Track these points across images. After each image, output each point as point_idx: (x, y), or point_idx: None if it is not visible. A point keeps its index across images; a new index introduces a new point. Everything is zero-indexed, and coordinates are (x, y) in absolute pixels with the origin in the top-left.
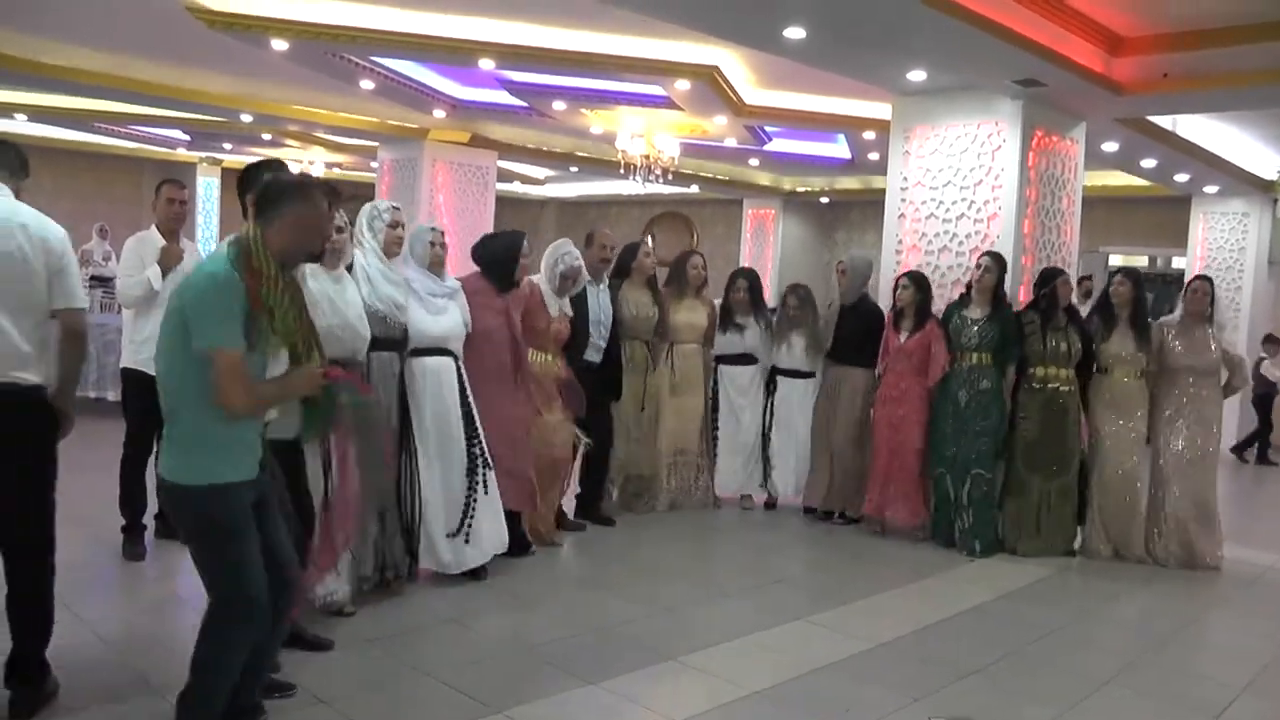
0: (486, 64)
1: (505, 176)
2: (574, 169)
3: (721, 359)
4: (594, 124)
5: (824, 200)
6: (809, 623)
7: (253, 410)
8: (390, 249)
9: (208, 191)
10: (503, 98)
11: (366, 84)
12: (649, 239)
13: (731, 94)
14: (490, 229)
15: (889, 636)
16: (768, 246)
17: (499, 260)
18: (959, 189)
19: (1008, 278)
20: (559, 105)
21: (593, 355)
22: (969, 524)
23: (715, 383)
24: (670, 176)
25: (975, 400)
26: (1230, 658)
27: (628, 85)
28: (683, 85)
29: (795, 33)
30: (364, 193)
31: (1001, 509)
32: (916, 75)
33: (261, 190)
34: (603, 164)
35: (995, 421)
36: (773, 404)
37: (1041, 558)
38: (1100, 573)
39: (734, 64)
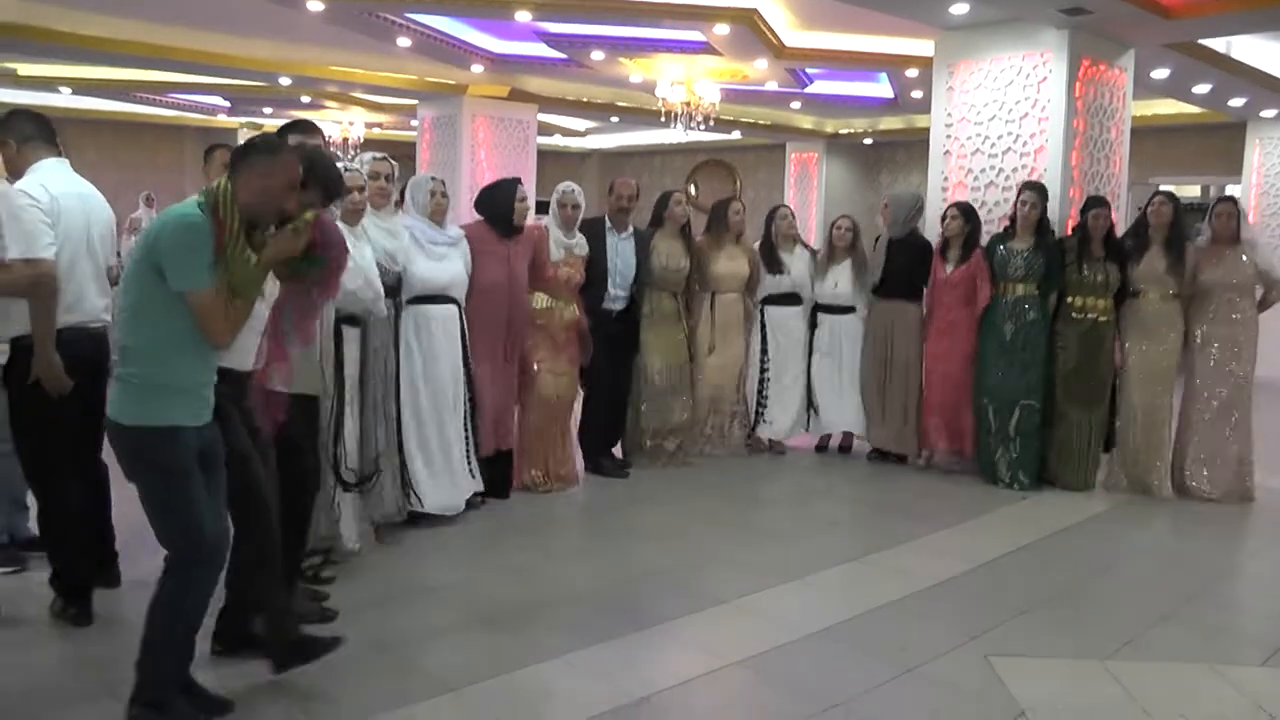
0: (523, 16)
1: (546, 130)
2: (615, 119)
3: (768, 300)
4: (633, 73)
5: (867, 142)
6: (863, 563)
7: (237, 331)
8: (375, 200)
9: None
10: (541, 50)
11: (404, 41)
12: (692, 187)
13: (771, 36)
14: (533, 183)
15: (943, 575)
16: (811, 190)
17: (497, 204)
18: (1004, 123)
19: (1055, 210)
20: (597, 55)
21: (613, 304)
22: (1015, 455)
23: (764, 326)
24: (711, 123)
25: (1022, 331)
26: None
27: (666, 32)
28: (721, 30)
29: None
30: (406, 151)
31: (1045, 441)
32: (959, 8)
33: (237, 148)
34: (644, 113)
35: (1043, 352)
36: (813, 341)
37: (1086, 491)
38: (1154, 509)
39: (773, 6)
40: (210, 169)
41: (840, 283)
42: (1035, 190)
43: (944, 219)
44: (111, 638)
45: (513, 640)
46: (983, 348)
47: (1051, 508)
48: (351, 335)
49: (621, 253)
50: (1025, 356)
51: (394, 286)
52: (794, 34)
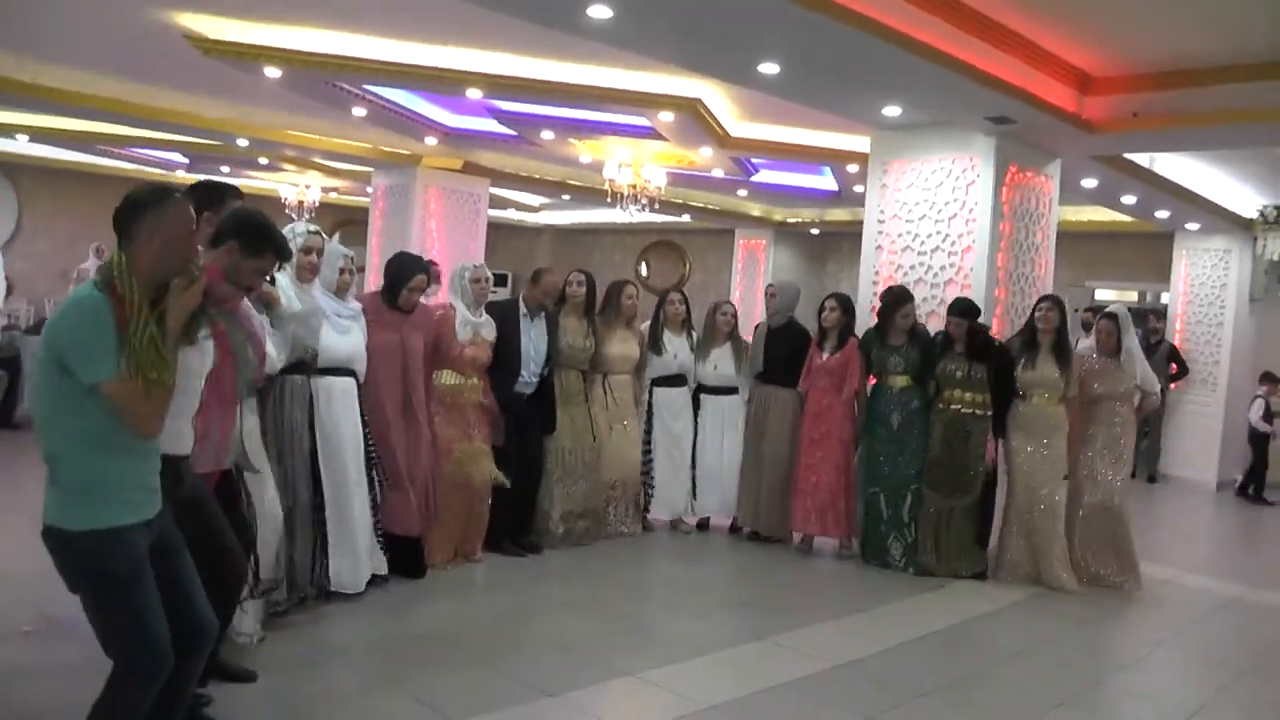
0: (474, 93)
1: (500, 204)
2: (565, 197)
3: (656, 381)
4: (583, 153)
5: (814, 231)
6: (769, 643)
7: (163, 416)
8: (301, 274)
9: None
10: (492, 126)
11: (359, 111)
12: (643, 267)
13: (715, 125)
14: (481, 255)
15: (848, 658)
16: (758, 276)
17: (391, 277)
18: (934, 222)
19: (983, 307)
20: (547, 135)
21: (524, 387)
22: (911, 540)
23: (650, 407)
24: (657, 205)
25: (908, 419)
26: (1182, 683)
27: (613, 116)
28: (666, 117)
29: (769, 68)
30: (360, 216)
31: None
32: (891, 110)
33: (118, 209)
34: (593, 193)
35: (923, 440)
36: (698, 422)
37: (951, 579)
38: (1057, 600)
39: (716, 97)
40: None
41: (720, 364)
42: (909, 302)
43: (821, 310)
44: None
45: (415, 705)
46: (870, 438)
47: (959, 597)
48: (248, 406)
49: (534, 337)
50: (913, 444)
51: (309, 362)
52: (737, 124)
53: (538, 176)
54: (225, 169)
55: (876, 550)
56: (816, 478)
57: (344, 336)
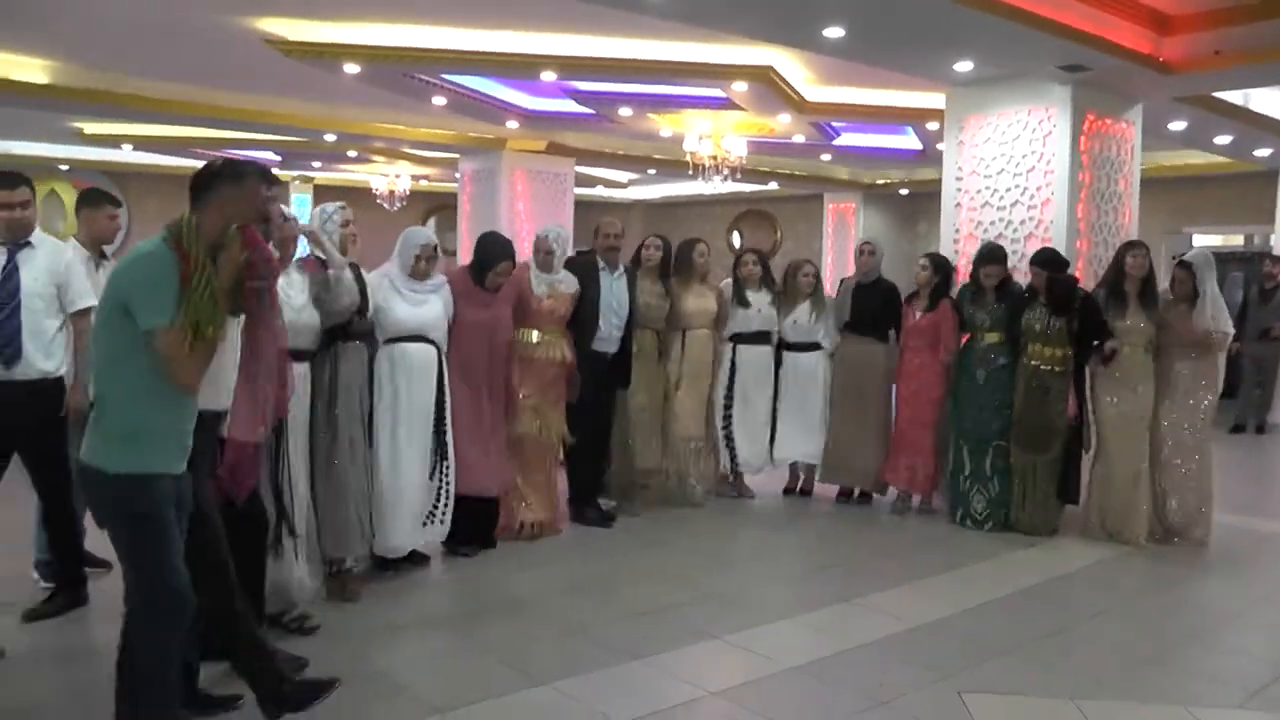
0: (549, 76)
1: (588, 181)
2: (651, 171)
3: (737, 338)
4: (663, 127)
5: (903, 192)
6: (853, 605)
7: (202, 373)
8: (345, 247)
9: (301, 207)
10: (570, 106)
11: (439, 100)
12: (735, 236)
13: (791, 92)
14: (572, 232)
15: (931, 618)
16: (849, 240)
17: (479, 260)
18: (1012, 176)
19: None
20: (625, 111)
21: (605, 345)
22: (994, 495)
23: (733, 362)
24: (739, 175)
25: (993, 375)
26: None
27: (688, 89)
28: (740, 86)
29: (834, 32)
30: (451, 202)
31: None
32: (963, 66)
33: (195, 176)
34: (678, 166)
35: (1009, 395)
36: (779, 377)
37: (1034, 535)
38: (1159, 557)
39: (789, 63)
40: (97, 218)
41: (800, 320)
42: (992, 263)
43: (916, 268)
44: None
45: (502, 668)
46: (957, 392)
47: (1046, 555)
48: (299, 371)
49: (616, 292)
50: (996, 399)
51: (366, 332)
52: (813, 89)
53: (622, 153)
54: (317, 164)
55: (960, 505)
56: (906, 435)
57: (417, 308)
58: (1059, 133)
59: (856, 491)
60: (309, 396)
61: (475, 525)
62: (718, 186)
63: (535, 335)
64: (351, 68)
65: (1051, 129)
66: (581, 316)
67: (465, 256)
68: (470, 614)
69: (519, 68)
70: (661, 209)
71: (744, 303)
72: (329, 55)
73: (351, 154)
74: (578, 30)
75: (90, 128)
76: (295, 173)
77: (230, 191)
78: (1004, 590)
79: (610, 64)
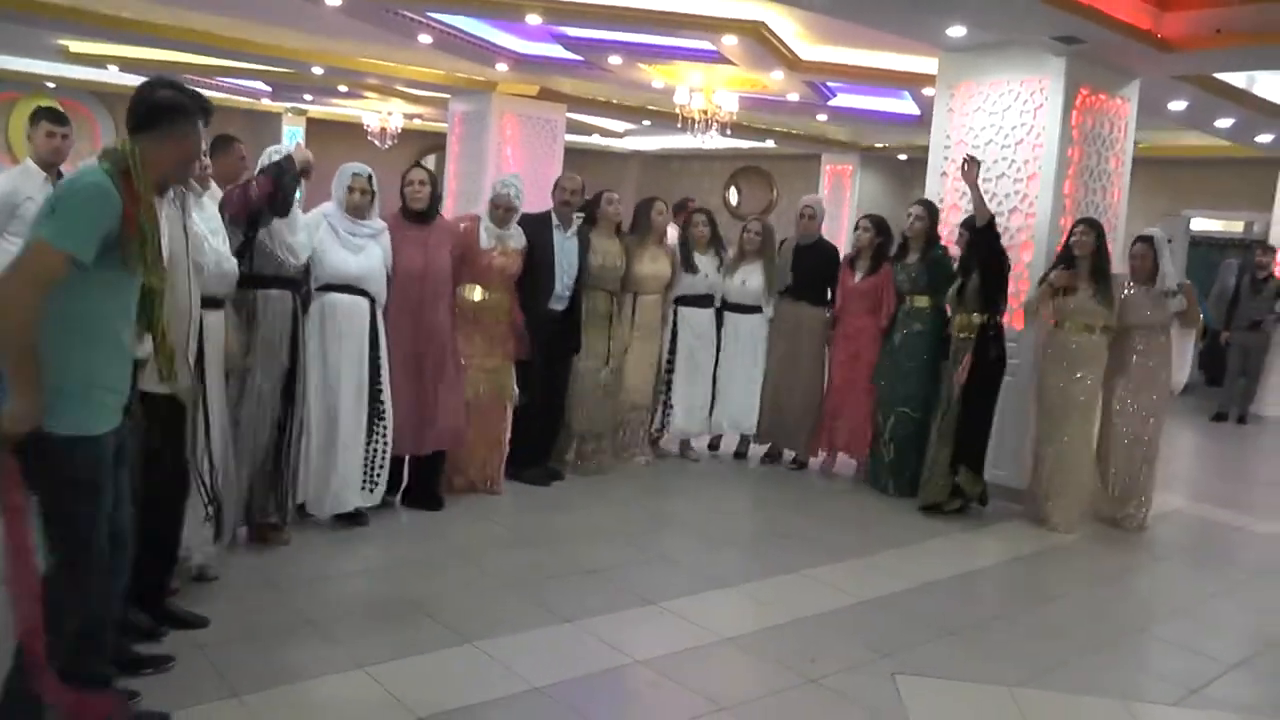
0: (534, 19)
1: (585, 129)
2: (646, 123)
3: (681, 300)
4: (655, 78)
5: (901, 157)
6: (801, 576)
7: (3, 317)
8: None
9: (292, 140)
10: (561, 52)
11: (425, 38)
12: (733, 192)
13: (784, 49)
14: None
15: (878, 594)
16: (844, 203)
17: (401, 193)
18: (1000, 148)
19: (1045, 238)
20: (614, 60)
21: (556, 304)
22: (888, 460)
23: (675, 325)
24: (729, 131)
25: (908, 341)
26: (1227, 637)
27: (679, 40)
28: (730, 41)
29: None
30: (442, 143)
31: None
32: (956, 30)
33: (144, 105)
34: (671, 118)
35: (922, 361)
36: (720, 339)
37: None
38: (1117, 544)
39: (781, 20)
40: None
41: (749, 281)
42: (923, 205)
43: (855, 229)
44: None
45: (430, 622)
46: (879, 355)
47: (1004, 537)
48: (214, 320)
49: (566, 251)
50: (906, 364)
51: (294, 279)
52: (807, 47)
53: (615, 102)
54: (308, 97)
55: (872, 470)
56: (843, 400)
57: (354, 255)
58: (1050, 105)
59: (788, 456)
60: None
61: (422, 483)
62: (714, 141)
63: (479, 293)
64: (333, 1)
65: (1043, 101)
66: (534, 274)
67: (451, 200)
68: (402, 567)
69: (504, 9)
70: (659, 161)
71: (691, 268)
72: None
73: (342, 89)
74: None
75: (75, 46)
76: (288, 104)
77: (182, 129)
78: (955, 570)
79: (598, 10)
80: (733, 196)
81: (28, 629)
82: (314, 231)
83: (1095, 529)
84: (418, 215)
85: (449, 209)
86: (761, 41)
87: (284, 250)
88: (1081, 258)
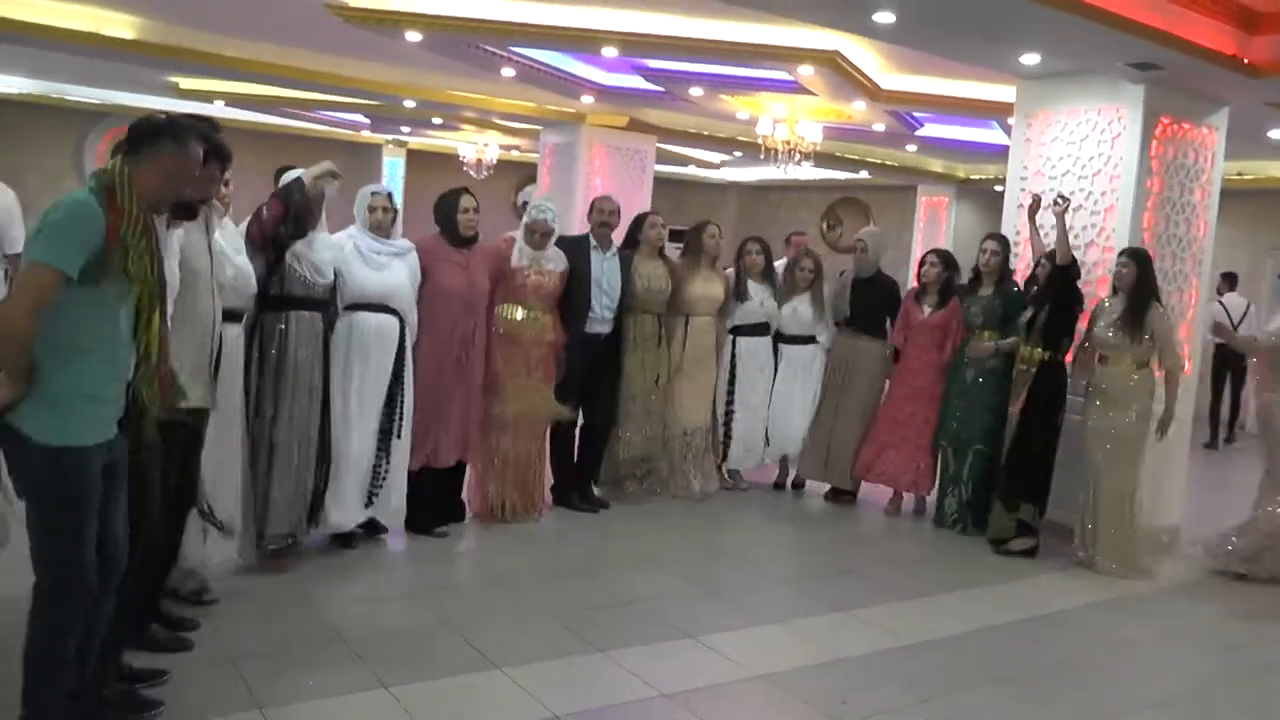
0: (610, 51)
1: (680, 160)
2: (738, 154)
3: (738, 330)
4: (739, 109)
5: (998, 188)
6: (850, 615)
7: (6, 335)
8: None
9: (393, 172)
10: (641, 84)
11: (508, 72)
12: (825, 225)
13: (862, 78)
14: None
15: (931, 636)
16: (939, 236)
17: (443, 214)
18: (1078, 179)
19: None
20: (696, 91)
21: (598, 326)
22: (966, 499)
23: (733, 356)
24: (812, 161)
25: (981, 377)
26: None
27: (755, 71)
28: (806, 71)
29: (884, 17)
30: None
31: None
32: (1030, 58)
33: (133, 127)
34: (754, 148)
35: (999, 398)
36: (776, 371)
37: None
38: (1197, 592)
39: (860, 50)
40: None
41: (800, 309)
42: (996, 239)
43: (922, 264)
44: None
45: (460, 646)
46: (946, 392)
47: (1070, 581)
48: (233, 333)
49: (607, 272)
50: (984, 401)
51: (322, 300)
52: (887, 76)
53: (705, 133)
54: (405, 129)
55: (938, 506)
56: (899, 434)
57: (379, 273)
58: (1128, 135)
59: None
60: (242, 363)
61: (440, 499)
62: (804, 172)
63: (520, 312)
64: (413, 36)
65: (1121, 130)
66: (573, 296)
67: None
68: (434, 590)
69: (580, 41)
70: (757, 192)
71: (743, 296)
72: (390, 22)
73: (437, 121)
74: (643, 6)
75: (185, 83)
76: (389, 137)
77: (171, 150)
78: (1016, 614)
79: (672, 42)
80: (825, 227)
81: None
82: (339, 251)
83: (1184, 578)
84: (463, 240)
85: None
86: (839, 71)
87: (310, 270)
88: (1121, 290)
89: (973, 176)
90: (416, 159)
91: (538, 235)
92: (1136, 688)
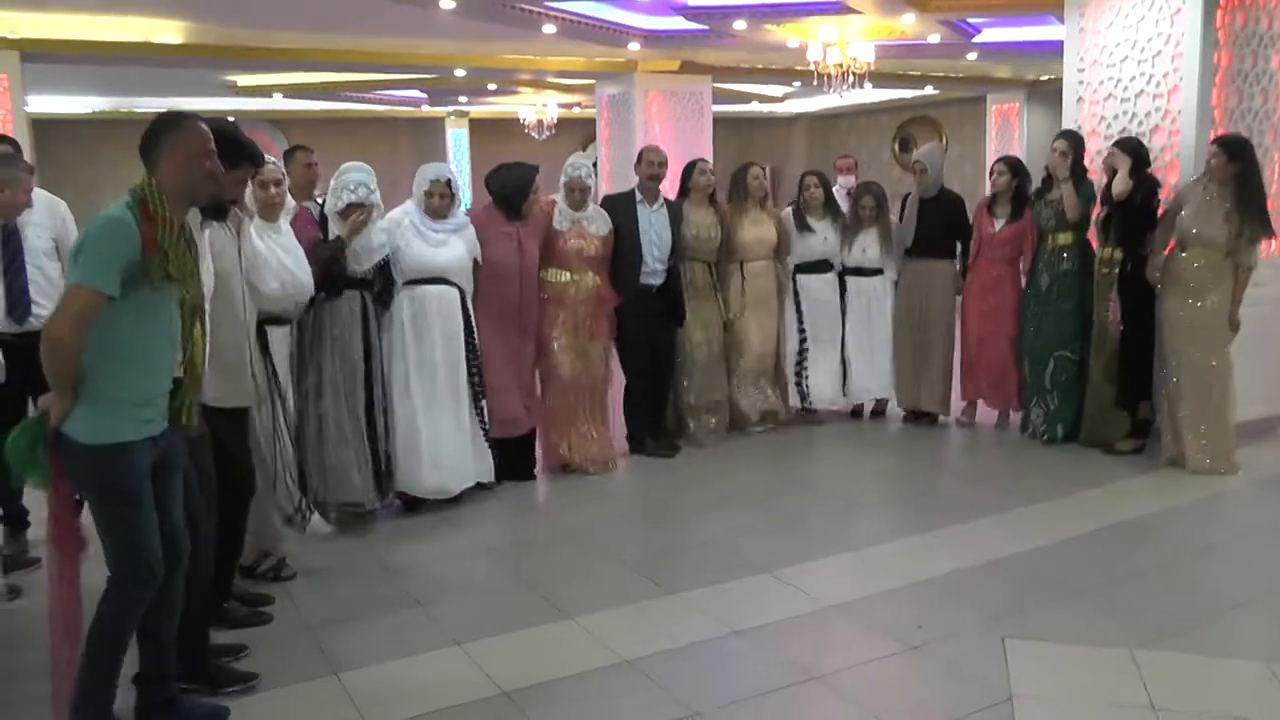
0: None
1: (741, 98)
2: (796, 84)
3: (800, 268)
4: (788, 37)
5: None
6: (928, 537)
7: (54, 350)
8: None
9: (457, 143)
10: (682, 24)
11: (549, 28)
12: (896, 145)
13: None
14: (709, 153)
15: (1007, 553)
16: (1012, 144)
17: (508, 194)
18: (1137, 63)
19: (1193, 154)
20: (739, 24)
21: (651, 279)
22: (1053, 408)
23: (796, 294)
24: (866, 82)
25: (1057, 281)
26: None
27: None
28: None
29: None
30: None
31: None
32: None
33: (142, 141)
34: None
35: (1078, 302)
36: (844, 305)
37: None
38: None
39: None
40: (293, 168)
41: (868, 248)
42: (1065, 137)
43: (991, 174)
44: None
45: (534, 599)
46: (1023, 301)
47: (1148, 489)
48: (278, 335)
49: (655, 224)
50: (1061, 306)
51: (362, 280)
52: None
53: (760, 66)
54: (463, 99)
55: (1024, 418)
56: (986, 351)
57: (436, 249)
58: (1189, 7)
59: (919, 414)
60: (290, 358)
61: (511, 461)
62: (869, 95)
63: (564, 275)
64: (447, 3)
65: (1181, 4)
66: (623, 253)
67: (605, 182)
68: (507, 546)
69: None
70: (826, 121)
71: (807, 228)
72: None
73: (491, 87)
74: None
75: (241, 80)
76: (449, 109)
77: (173, 137)
78: (1096, 524)
79: None
80: (896, 148)
81: (58, 667)
82: (394, 231)
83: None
84: (519, 213)
85: (602, 191)
86: None
87: (351, 258)
88: (1215, 182)
89: (1042, 78)
90: (479, 128)
91: (576, 193)
92: (1219, 590)
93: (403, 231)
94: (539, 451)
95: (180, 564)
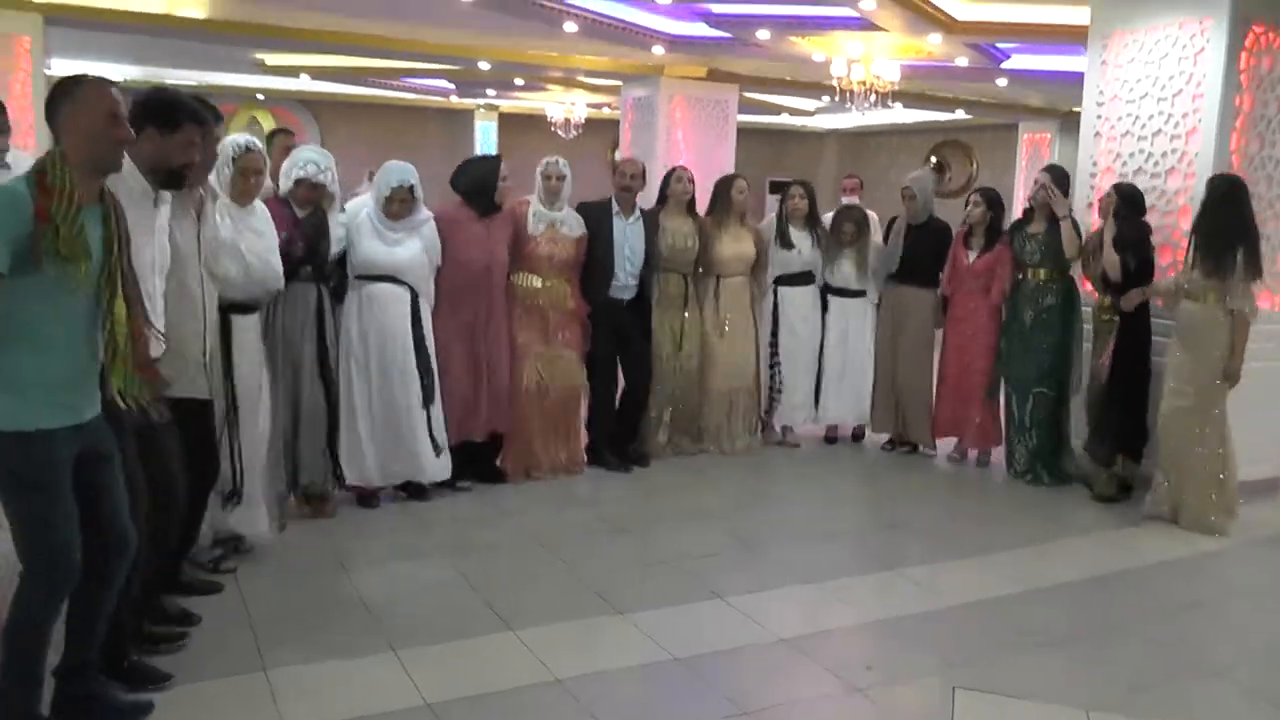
0: None
1: (771, 109)
2: (825, 99)
3: (780, 280)
4: (813, 51)
5: None
6: (897, 574)
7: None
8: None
9: (485, 135)
10: (706, 30)
11: (570, 26)
12: (930, 163)
13: (931, 9)
14: (731, 164)
15: (980, 597)
16: None
17: (476, 186)
18: (1156, 101)
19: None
20: (763, 34)
21: (621, 293)
22: (1033, 446)
23: (776, 307)
24: (889, 102)
25: (1040, 316)
26: None
27: (822, 9)
28: (869, 5)
29: None
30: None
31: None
32: None
33: (44, 103)
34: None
35: (1058, 338)
36: (825, 324)
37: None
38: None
39: None
40: (274, 153)
41: (844, 268)
42: (1047, 172)
43: (966, 204)
44: None
45: (479, 607)
46: (1005, 336)
47: (1132, 541)
48: (246, 324)
49: (630, 237)
50: (1043, 343)
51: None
52: (962, 6)
53: (788, 78)
54: (491, 92)
55: (1008, 456)
56: (959, 384)
57: (390, 247)
58: (1212, 48)
59: (900, 442)
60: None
61: (482, 463)
62: (901, 115)
63: (537, 281)
64: None
65: (1204, 44)
66: (595, 262)
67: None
68: (462, 550)
69: None
70: (856, 139)
71: (787, 243)
72: None
73: (519, 82)
74: None
75: (270, 59)
76: (478, 102)
77: (72, 102)
78: (1080, 573)
79: None
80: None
81: None
82: (350, 224)
83: (1271, 533)
84: (489, 209)
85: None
86: (907, 4)
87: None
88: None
89: (1074, 109)
90: (508, 122)
91: (553, 180)
92: (1197, 653)
93: (359, 225)
94: (507, 458)
95: (122, 557)
